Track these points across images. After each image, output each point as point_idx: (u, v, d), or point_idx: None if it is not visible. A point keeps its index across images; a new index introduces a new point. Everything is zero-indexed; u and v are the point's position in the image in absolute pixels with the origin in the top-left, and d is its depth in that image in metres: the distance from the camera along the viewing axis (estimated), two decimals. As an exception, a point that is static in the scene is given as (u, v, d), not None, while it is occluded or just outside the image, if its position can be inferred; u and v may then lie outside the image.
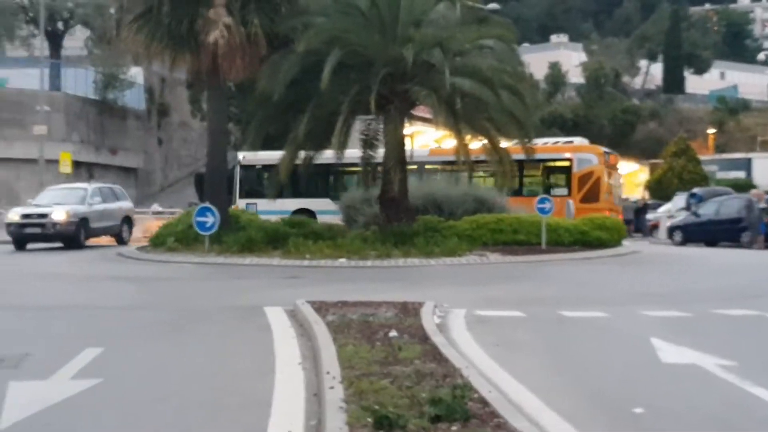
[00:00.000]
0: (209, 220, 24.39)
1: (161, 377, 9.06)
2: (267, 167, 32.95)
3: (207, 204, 24.95)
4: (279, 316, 12.70)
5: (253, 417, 7.31)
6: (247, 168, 37.10)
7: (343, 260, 22.54)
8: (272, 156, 28.81)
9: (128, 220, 33.70)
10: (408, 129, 28.15)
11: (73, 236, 30.02)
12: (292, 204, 34.20)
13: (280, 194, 30.53)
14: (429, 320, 11.44)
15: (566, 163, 33.66)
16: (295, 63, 23.72)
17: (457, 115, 23.81)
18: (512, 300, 14.67)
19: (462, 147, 24.63)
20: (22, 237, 29.91)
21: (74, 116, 48.71)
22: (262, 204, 32.04)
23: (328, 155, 26.20)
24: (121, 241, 32.49)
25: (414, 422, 6.60)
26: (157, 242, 26.91)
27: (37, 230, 29.68)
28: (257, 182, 37.03)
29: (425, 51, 23.31)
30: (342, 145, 24.28)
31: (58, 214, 29.65)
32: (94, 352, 10.04)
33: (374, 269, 21.58)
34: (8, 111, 44.62)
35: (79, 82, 50.93)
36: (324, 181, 36.63)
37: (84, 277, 20.12)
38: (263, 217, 29.49)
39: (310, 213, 33.87)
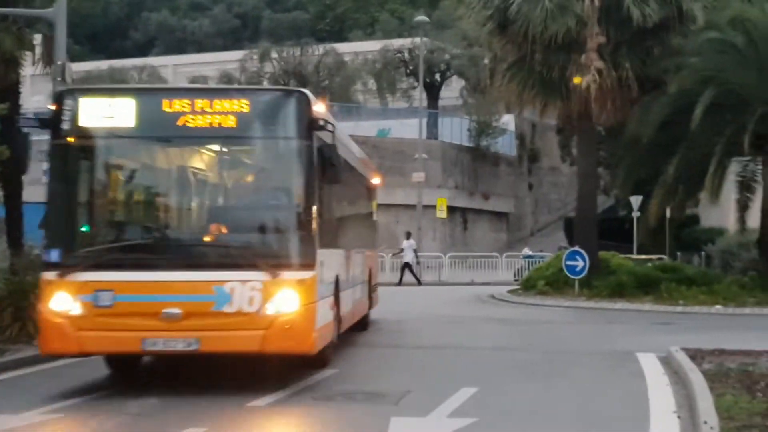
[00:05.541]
0: (579, 263, 24.53)
1: (536, 419, 9.25)
2: None
3: (577, 248, 25.07)
4: (652, 363, 12.59)
5: (627, 463, 7.32)
6: None
7: (718, 307, 21.87)
8: None
9: None
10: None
11: None
12: None
13: None
14: (817, 373, 10.80)
15: None
16: (666, 104, 23.42)
17: None
18: None
19: None
20: None
21: (450, 163, 50.78)
22: None
23: None
24: None
25: (799, 479, 6.33)
26: (528, 285, 27.36)
27: None
28: None
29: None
30: (716, 189, 23.47)
31: None
32: (470, 392, 10.45)
33: (753, 317, 20.73)
34: (390, 159, 47.30)
35: (455, 130, 53.12)
36: None
37: (458, 318, 20.90)
38: None
39: None
